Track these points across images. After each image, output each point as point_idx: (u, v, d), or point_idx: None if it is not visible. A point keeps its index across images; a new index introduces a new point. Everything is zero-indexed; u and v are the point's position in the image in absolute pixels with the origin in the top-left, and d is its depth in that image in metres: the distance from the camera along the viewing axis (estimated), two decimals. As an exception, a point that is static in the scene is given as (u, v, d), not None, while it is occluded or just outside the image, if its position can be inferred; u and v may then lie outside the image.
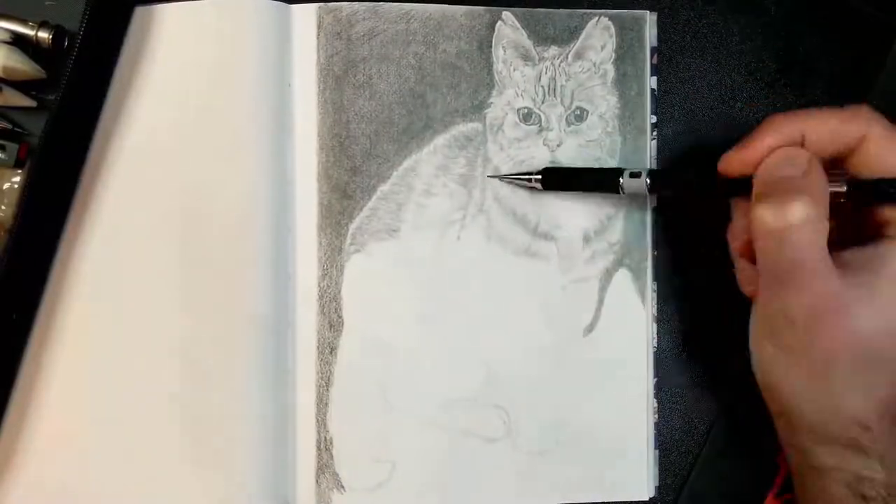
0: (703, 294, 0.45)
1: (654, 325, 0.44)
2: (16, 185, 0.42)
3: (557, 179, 0.42)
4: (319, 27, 0.43)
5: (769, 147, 0.36)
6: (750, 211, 0.35)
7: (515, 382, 0.43)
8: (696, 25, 0.45)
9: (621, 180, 0.40)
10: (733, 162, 0.37)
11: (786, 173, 0.35)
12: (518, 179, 0.43)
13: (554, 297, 0.44)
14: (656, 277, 0.44)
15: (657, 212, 0.44)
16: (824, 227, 0.34)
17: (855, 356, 0.34)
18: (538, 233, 0.43)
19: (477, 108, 0.43)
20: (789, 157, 0.35)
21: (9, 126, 0.43)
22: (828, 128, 0.35)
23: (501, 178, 0.43)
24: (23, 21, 0.42)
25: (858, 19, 0.45)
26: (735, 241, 0.39)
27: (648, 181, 0.39)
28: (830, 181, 0.35)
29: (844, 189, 0.35)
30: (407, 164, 0.43)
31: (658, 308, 0.44)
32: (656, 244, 0.44)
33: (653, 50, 0.44)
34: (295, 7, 0.43)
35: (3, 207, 0.42)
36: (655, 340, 0.44)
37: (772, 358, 0.37)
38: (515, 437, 0.43)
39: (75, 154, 0.42)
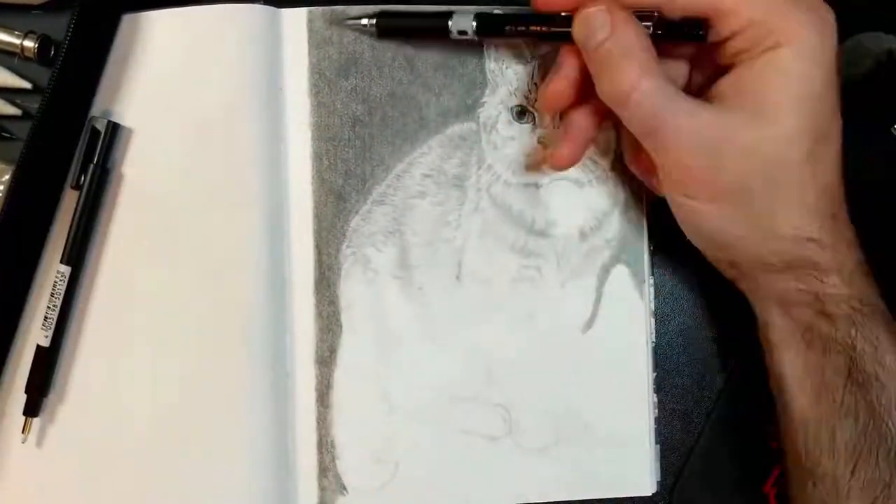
0: (701, 288, 0.45)
1: (653, 320, 0.44)
2: None
3: (391, 25, 0.42)
4: (310, 31, 0.43)
5: None
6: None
7: (515, 380, 0.43)
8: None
9: (449, 23, 0.39)
10: None
11: (598, 38, 0.34)
12: (354, 23, 0.42)
13: (552, 294, 0.44)
14: (653, 272, 0.44)
15: (654, 206, 0.44)
16: (659, 76, 0.34)
17: (767, 175, 0.34)
18: (534, 230, 0.43)
19: (470, 108, 0.43)
20: (589, 21, 0.35)
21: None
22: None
23: (343, 21, 0.42)
24: (9, 30, 0.42)
25: (858, 19, 0.44)
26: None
27: (475, 24, 0.39)
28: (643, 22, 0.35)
29: (652, 30, 0.35)
30: (401, 165, 0.43)
31: (656, 303, 0.45)
32: (652, 239, 0.44)
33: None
34: (285, 11, 0.43)
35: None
36: (654, 335, 0.44)
37: (692, 210, 0.37)
38: (516, 434, 0.43)
39: (61, 162, 0.41)
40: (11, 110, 0.42)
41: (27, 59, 0.42)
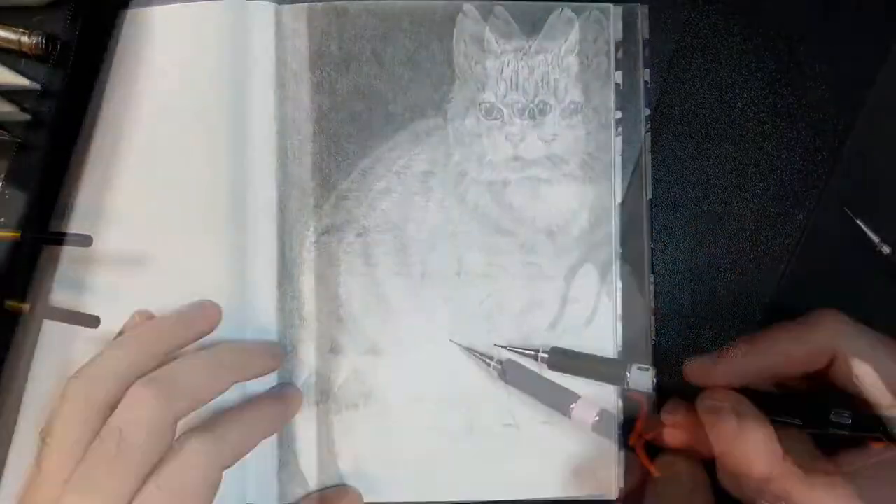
0: (701, 286, 0.44)
1: (653, 318, 0.43)
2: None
3: (562, 361, 0.42)
4: (277, 25, 0.43)
5: (727, 377, 0.38)
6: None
7: (513, 375, 0.43)
8: (696, 25, 0.45)
9: (627, 374, 0.41)
10: (695, 373, 0.39)
11: (728, 436, 0.36)
12: (524, 353, 0.43)
13: (522, 292, 0.43)
14: (653, 270, 0.44)
15: (653, 204, 0.43)
16: (787, 462, 0.35)
17: None
18: (501, 229, 0.43)
19: (438, 104, 0.43)
20: (721, 424, 0.36)
21: (-5, 131, 0.44)
22: (795, 358, 0.37)
23: (506, 347, 0.43)
24: (10, 27, 0.43)
25: (859, 19, 0.44)
26: None
27: (655, 380, 0.41)
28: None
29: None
30: (367, 161, 0.43)
31: (656, 302, 0.44)
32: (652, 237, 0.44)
33: (645, 42, 0.43)
34: (252, 4, 0.43)
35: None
36: (654, 333, 0.43)
37: None
38: (515, 430, 0.43)
39: (59, 159, 0.43)
40: (14, 109, 0.43)
41: (29, 57, 0.43)
